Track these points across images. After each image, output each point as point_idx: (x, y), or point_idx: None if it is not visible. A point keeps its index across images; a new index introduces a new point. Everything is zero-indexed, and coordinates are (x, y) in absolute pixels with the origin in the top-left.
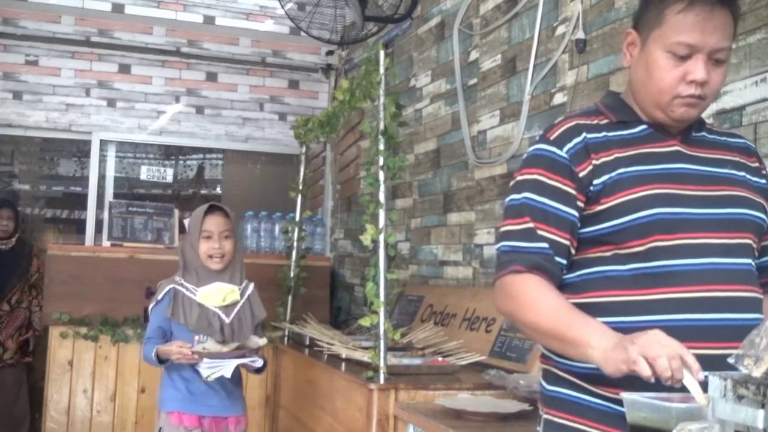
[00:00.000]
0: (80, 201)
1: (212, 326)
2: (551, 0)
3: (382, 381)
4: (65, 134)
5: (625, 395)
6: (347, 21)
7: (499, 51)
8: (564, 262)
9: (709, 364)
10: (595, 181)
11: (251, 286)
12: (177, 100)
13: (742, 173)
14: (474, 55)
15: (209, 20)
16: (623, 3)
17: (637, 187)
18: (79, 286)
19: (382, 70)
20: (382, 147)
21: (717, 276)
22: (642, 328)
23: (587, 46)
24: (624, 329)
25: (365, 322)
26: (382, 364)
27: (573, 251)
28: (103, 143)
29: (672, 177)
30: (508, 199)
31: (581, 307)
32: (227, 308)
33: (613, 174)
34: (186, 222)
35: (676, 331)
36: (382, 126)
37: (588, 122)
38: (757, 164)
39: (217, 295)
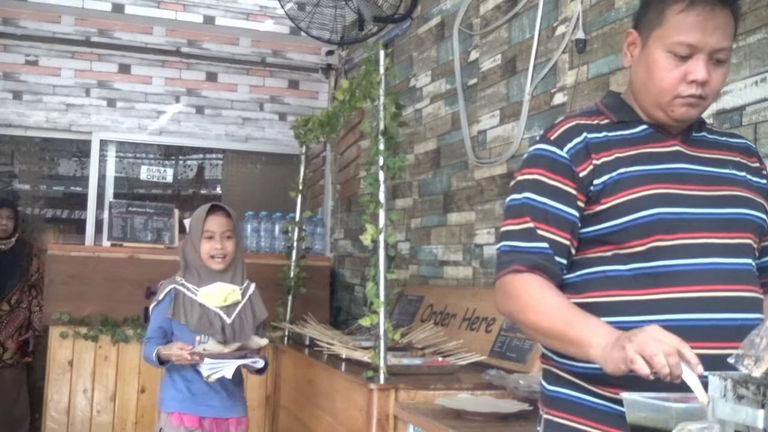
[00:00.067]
0: (80, 201)
1: (213, 326)
2: (551, 0)
3: (382, 381)
4: (65, 134)
5: (625, 395)
6: (347, 21)
7: (499, 51)
8: (564, 261)
9: (709, 364)
10: (596, 181)
11: (252, 286)
12: (177, 100)
13: (743, 173)
14: (474, 55)
15: (209, 20)
16: (623, 3)
17: (638, 187)
18: (79, 286)
19: (382, 70)
20: (382, 147)
21: (717, 276)
22: None
23: (587, 46)
24: (625, 329)
25: (365, 322)
26: (382, 364)
27: (573, 251)
28: (103, 143)
29: (672, 177)
30: (508, 199)
31: (582, 307)
32: (228, 308)
33: (614, 174)
34: (186, 222)
35: (677, 331)
36: (382, 126)
37: (588, 122)
38: (757, 164)
39: (219, 296)
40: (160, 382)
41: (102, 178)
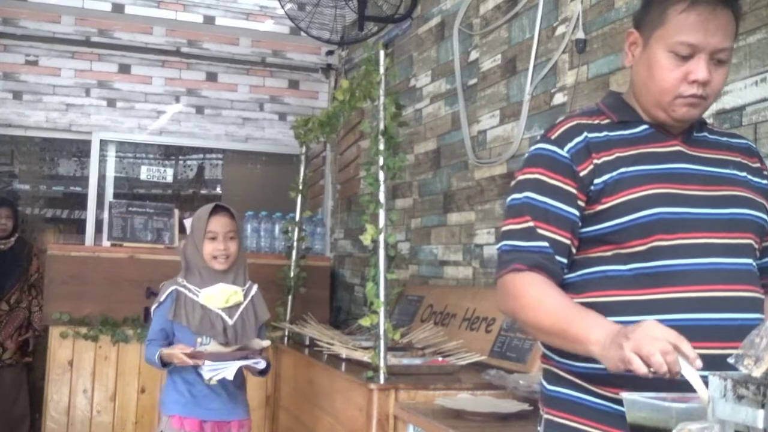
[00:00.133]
0: (80, 201)
1: (215, 328)
2: (551, 0)
3: (382, 381)
4: (65, 134)
5: (625, 395)
6: (347, 21)
7: (499, 51)
8: (564, 261)
9: (710, 363)
10: (596, 181)
11: (255, 288)
12: (177, 100)
13: (744, 174)
14: (474, 55)
15: (209, 20)
16: (623, 3)
17: (639, 186)
18: (79, 286)
19: (382, 70)
20: (382, 147)
21: (718, 276)
22: None
23: (587, 46)
24: None
25: (365, 322)
26: (382, 364)
27: (574, 250)
28: (103, 143)
29: (673, 177)
30: (509, 198)
31: None
32: (230, 310)
33: (615, 173)
34: (186, 222)
35: (677, 331)
36: (382, 126)
37: (589, 122)
38: (758, 165)
39: (220, 297)
40: (162, 382)
41: (102, 178)
